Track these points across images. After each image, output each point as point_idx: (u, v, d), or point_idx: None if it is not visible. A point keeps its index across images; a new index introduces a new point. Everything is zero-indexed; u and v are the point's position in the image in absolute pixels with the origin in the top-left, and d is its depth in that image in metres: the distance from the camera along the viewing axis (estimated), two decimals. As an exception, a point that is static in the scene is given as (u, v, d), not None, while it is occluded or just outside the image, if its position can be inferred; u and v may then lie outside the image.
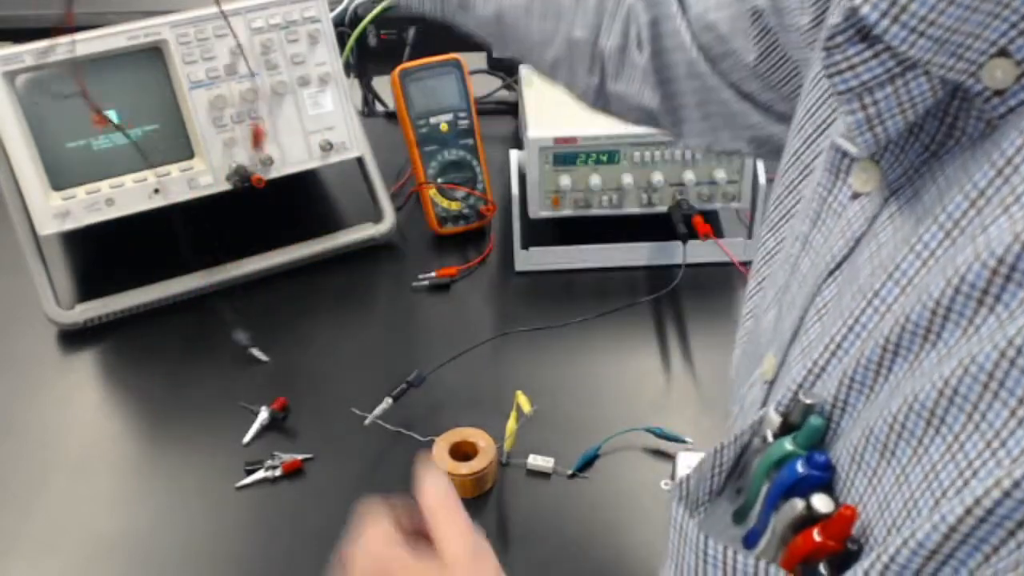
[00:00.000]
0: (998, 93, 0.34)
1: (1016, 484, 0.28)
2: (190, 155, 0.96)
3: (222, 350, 0.94)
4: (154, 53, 0.92)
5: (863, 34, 0.35)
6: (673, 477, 0.75)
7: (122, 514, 0.77)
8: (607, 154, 1.01)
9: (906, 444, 0.33)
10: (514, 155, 1.07)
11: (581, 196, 1.02)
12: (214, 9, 0.92)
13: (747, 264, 0.97)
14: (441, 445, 0.78)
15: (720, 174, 1.01)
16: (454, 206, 1.09)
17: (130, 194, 0.93)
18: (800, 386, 0.40)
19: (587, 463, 0.80)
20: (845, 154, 0.43)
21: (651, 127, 0.73)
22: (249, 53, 0.95)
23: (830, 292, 0.42)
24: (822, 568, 0.35)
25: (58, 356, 0.95)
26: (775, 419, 0.41)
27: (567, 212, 1.03)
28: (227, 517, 0.76)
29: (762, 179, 1.02)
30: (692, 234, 0.99)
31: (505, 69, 1.33)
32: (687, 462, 0.75)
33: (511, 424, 0.78)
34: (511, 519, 0.76)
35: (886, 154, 0.39)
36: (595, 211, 1.03)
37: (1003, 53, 0.34)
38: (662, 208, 1.02)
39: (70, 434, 0.85)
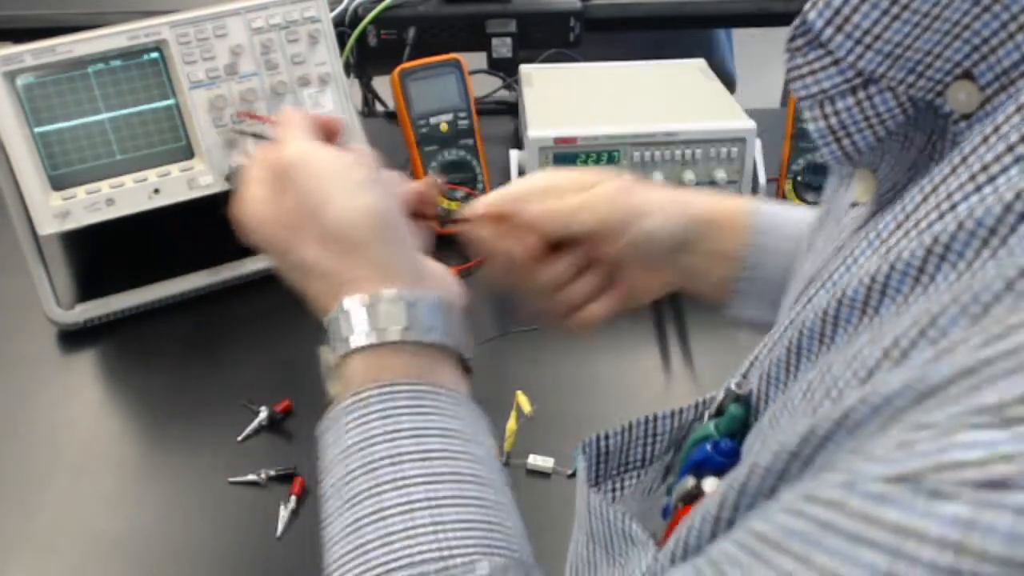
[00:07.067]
0: (965, 117, 0.33)
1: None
2: (190, 155, 0.96)
3: (222, 350, 0.94)
4: (154, 53, 0.92)
5: (821, 41, 0.35)
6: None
7: (122, 514, 0.77)
8: (607, 154, 1.01)
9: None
10: (514, 155, 1.07)
11: (581, 196, 1.02)
12: (214, 9, 0.92)
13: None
14: (441, 445, 0.78)
15: (720, 174, 1.01)
16: (454, 206, 1.09)
17: (130, 194, 0.93)
18: (744, 376, 0.42)
19: (587, 463, 0.80)
20: None
21: None
22: (249, 53, 0.95)
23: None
24: None
25: (58, 356, 0.95)
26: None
27: (567, 212, 1.03)
28: (227, 516, 0.76)
29: (762, 179, 1.02)
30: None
31: (505, 69, 1.33)
32: (687, 462, 0.76)
33: (511, 424, 0.78)
34: (511, 519, 0.76)
35: (882, 166, 0.38)
36: (595, 211, 1.03)
37: (967, 75, 0.33)
38: (662, 208, 1.02)
39: (70, 434, 0.85)
